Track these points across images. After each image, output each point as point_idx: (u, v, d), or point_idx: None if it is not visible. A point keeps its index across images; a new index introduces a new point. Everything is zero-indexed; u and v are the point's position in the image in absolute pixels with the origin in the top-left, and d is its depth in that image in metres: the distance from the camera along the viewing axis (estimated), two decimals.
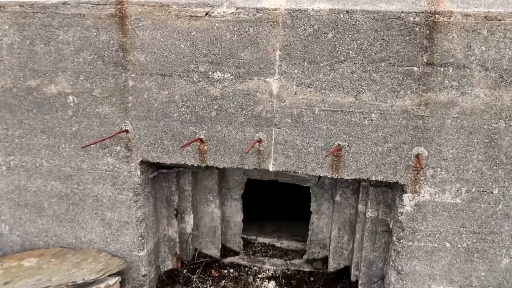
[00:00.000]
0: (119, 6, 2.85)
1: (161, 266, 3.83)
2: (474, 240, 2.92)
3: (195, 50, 2.84)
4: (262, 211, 4.94)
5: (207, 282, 3.81)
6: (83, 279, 3.01)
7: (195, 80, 2.91)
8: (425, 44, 2.58)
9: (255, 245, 4.42)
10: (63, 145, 3.25)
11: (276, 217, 4.91)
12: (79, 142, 3.20)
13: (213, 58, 2.84)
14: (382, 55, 2.65)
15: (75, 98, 3.11)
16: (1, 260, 3.32)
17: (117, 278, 3.25)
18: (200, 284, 3.75)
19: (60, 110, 3.16)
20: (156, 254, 3.73)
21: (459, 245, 2.95)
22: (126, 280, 3.45)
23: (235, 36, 2.77)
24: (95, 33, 2.93)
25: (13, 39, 3.05)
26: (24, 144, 3.31)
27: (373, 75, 2.70)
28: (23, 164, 3.37)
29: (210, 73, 2.88)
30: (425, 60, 2.61)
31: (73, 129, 3.19)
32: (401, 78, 2.67)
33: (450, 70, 2.61)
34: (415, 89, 2.68)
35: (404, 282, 3.08)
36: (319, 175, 3.05)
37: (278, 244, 4.43)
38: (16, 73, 3.13)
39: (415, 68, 2.64)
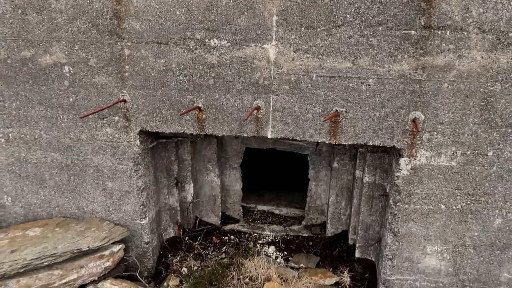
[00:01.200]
0: None
1: (163, 234, 3.92)
2: (468, 202, 2.99)
3: (190, 17, 2.81)
4: (261, 180, 5.01)
5: (209, 248, 3.91)
6: (88, 246, 3.08)
7: (191, 47, 2.89)
8: (423, 7, 2.56)
9: (255, 212, 4.51)
10: (61, 116, 3.25)
11: (274, 185, 4.98)
12: (77, 113, 3.20)
13: (209, 25, 2.81)
14: (380, 19, 2.63)
15: (71, 68, 3.09)
16: (6, 230, 3.38)
17: (121, 245, 3.33)
18: (202, 250, 3.85)
19: (57, 81, 3.14)
20: (158, 222, 3.80)
21: (454, 207, 3.02)
22: (130, 247, 3.53)
23: (231, 1, 2.73)
24: (88, 1, 2.87)
25: (4, 8, 2.99)
26: (22, 116, 3.30)
27: (371, 39, 2.69)
28: (22, 136, 3.37)
29: (206, 40, 2.86)
30: (422, 23, 2.60)
31: (71, 100, 3.18)
32: (398, 42, 2.67)
33: (448, 33, 2.60)
34: (413, 53, 2.67)
35: (400, 243, 3.18)
36: (317, 142, 3.09)
37: (277, 212, 4.52)
38: (10, 43, 3.09)
39: (413, 32, 2.63)
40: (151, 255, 3.63)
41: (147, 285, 3.46)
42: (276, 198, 4.71)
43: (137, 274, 3.47)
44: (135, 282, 3.41)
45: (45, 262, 2.96)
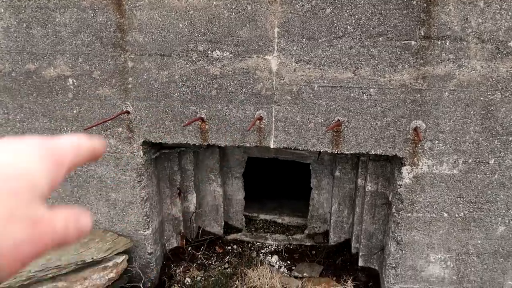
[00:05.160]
0: None
1: (166, 244, 3.92)
2: (471, 210, 3.01)
3: (193, 29, 2.85)
4: (263, 189, 5.02)
5: (212, 258, 3.91)
6: (92, 258, 3.09)
7: (194, 59, 2.93)
8: (423, 18, 2.60)
9: (257, 222, 4.52)
10: (64, 128, 3.27)
11: (277, 195, 4.99)
12: (81, 125, 3.23)
13: (211, 37, 2.85)
14: (380, 30, 2.67)
15: (74, 81, 3.12)
16: None
17: (124, 256, 3.34)
18: (205, 261, 3.85)
19: (60, 93, 3.17)
20: (161, 232, 3.81)
21: (456, 215, 3.04)
22: (133, 258, 3.53)
23: (233, 14, 2.77)
24: (92, 14, 2.92)
25: (9, 22, 3.03)
26: (25, 128, 3.33)
27: (371, 50, 2.72)
28: None
29: (209, 52, 2.89)
30: (422, 34, 2.64)
31: (74, 112, 3.21)
32: (398, 52, 2.70)
33: (447, 43, 2.64)
34: (413, 63, 2.71)
35: (404, 251, 3.18)
36: (319, 151, 3.10)
37: (279, 221, 4.52)
38: (14, 57, 3.13)
39: (413, 42, 2.66)
40: (155, 265, 3.63)
41: None
42: (278, 207, 4.72)
43: (141, 285, 3.47)
44: None
45: (49, 274, 2.96)
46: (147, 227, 3.49)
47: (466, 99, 2.74)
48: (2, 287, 2.75)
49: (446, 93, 2.74)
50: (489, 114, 2.75)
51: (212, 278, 3.54)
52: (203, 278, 3.62)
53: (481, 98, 2.73)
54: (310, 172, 4.07)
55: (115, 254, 3.29)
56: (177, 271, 3.72)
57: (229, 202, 4.32)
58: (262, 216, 4.56)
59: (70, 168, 0.45)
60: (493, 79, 2.67)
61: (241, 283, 3.44)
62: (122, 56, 3.00)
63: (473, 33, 2.59)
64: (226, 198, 4.27)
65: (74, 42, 3.01)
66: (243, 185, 4.25)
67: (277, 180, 5.38)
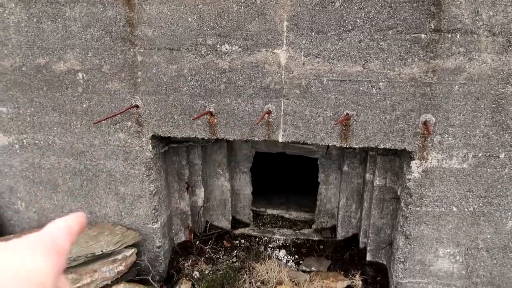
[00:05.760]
0: None
1: (174, 238, 3.94)
2: (481, 204, 2.99)
3: (202, 23, 2.85)
4: (270, 184, 5.03)
5: (220, 252, 3.93)
6: (102, 251, 3.12)
7: (203, 53, 2.93)
8: (433, 10, 2.58)
9: (265, 216, 4.52)
10: (74, 122, 3.30)
11: (284, 190, 5.00)
12: (90, 119, 3.25)
13: (220, 31, 2.85)
14: (390, 23, 2.66)
15: (84, 75, 3.14)
16: (20, 235, 3.42)
17: (133, 249, 3.36)
18: (213, 254, 3.87)
19: (70, 87, 3.19)
20: (170, 226, 3.83)
21: (466, 209, 3.02)
22: (142, 251, 3.56)
23: (242, 7, 2.77)
24: (101, 9, 2.93)
25: (20, 17, 3.06)
26: (36, 122, 3.36)
27: (381, 43, 2.71)
28: (36, 142, 3.43)
29: (218, 46, 2.90)
30: (432, 27, 2.62)
31: (84, 106, 3.23)
32: (408, 45, 2.69)
33: (458, 36, 2.62)
34: (423, 56, 2.69)
35: (412, 246, 3.18)
36: (328, 146, 3.10)
37: (287, 216, 4.53)
38: (25, 51, 3.15)
39: (423, 35, 2.65)
40: (163, 259, 3.66)
41: None
42: (286, 202, 4.73)
43: (150, 278, 3.49)
44: (148, 286, 3.44)
45: None
46: (155, 220, 3.52)
47: (476, 93, 2.72)
48: None
49: (456, 86, 2.73)
50: (499, 108, 2.73)
51: (220, 272, 3.56)
52: (211, 272, 3.64)
53: (492, 92, 2.71)
54: (317, 167, 4.07)
55: (124, 247, 3.31)
56: (185, 264, 3.74)
57: (237, 197, 4.34)
58: (269, 211, 4.57)
59: (68, 251, 0.49)
60: (504, 72, 2.65)
61: (249, 277, 3.45)
62: (131, 50, 3.01)
63: (484, 26, 2.57)
64: (233, 193, 4.28)
65: (84, 36, 3.03)
66: (250, 180, 4.26)
67: (284, 175, 5.38)
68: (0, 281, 0.38)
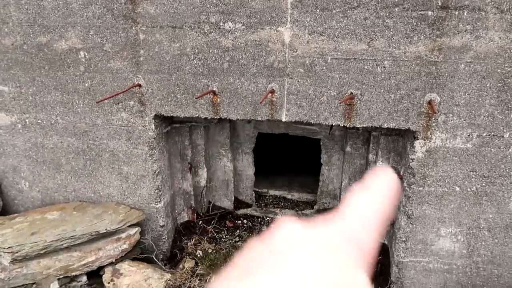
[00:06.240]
0: None
1: (177, 218, 3.97)
2: (483, 184, 2.99)
3: (205, 0, 2.80)
4: (273, 165, 5.04)
5: (222, 232, 3.96)
6: (106, 229, 3.14)
7: (206, 31, 2.89)
8: None
9: (267, 197, 4.55)
10: (77, 102, 3.28)
11: (287, 170, 5.01)
12: (93, 98, 3.23)
13: (223, 8, 2.81)
14: (396, 0, 2.61)
15: (86, 54, 3.11)
16: (25, 214, 3.45)
17: (137, 228, 3.39)
18: (215, 234, 3.90)
19: (72, 66, 3.17)
20: (173, 206, 3.86)
21: (469, 189, 3.03)
22: (145, 230, 3.59)
23: None
24: None
25: None
26: (38, 101, 3.35)
27: (387, 21, 2.67)
28: (39, 121, 3.42)
29: (221, 23, 2.86)
30: (439, 4, 2.57)
31: (86, 85, 3.21)
32: (414, 23, 2.65)
33: (465, 13, 2.58)
34: (429, 34, 2.65)
35: (414, 225, 3.19)
36: (331, 126, 3.09)
37: (289, 196, 4.55)
38: (26, 29, 3.12)
39: (430, 12, 2.61)
40: (166, 238, 3.69)
41: (163, 267, 3.52)
42: (288, 183, 4.74)
43: (153, 256, 3.53)
44: (152, 264, 3.48)
45: (65, 244, 3.02)
46: (158, 200, 3.53)
47: (482, 72, 2.69)
48: (20, 254, 2.82)
49: (462, 65, 2.70)
50: (505, 87, 2.71)
51: (223, 251, 3.60)
52: (214, 251, 3.67)
53: (498, 70, 2.68)
54: (320, 148, 4.07)
55: (128, 226, 3.34)
56: (189, 244, 3.78)
57: (239, 178, 4.35)
58: (271, 192, 4.59)
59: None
60: (511, 51, 2.61)
61: None
62: (133, 28, 2.97)
63: (492, 3, 2.53)
64: (236, 174, 4.29)
65: (85, 14, 2.99)
66: (253, 161, 4.27)
67: (286, 156, 5.39)
68: None
